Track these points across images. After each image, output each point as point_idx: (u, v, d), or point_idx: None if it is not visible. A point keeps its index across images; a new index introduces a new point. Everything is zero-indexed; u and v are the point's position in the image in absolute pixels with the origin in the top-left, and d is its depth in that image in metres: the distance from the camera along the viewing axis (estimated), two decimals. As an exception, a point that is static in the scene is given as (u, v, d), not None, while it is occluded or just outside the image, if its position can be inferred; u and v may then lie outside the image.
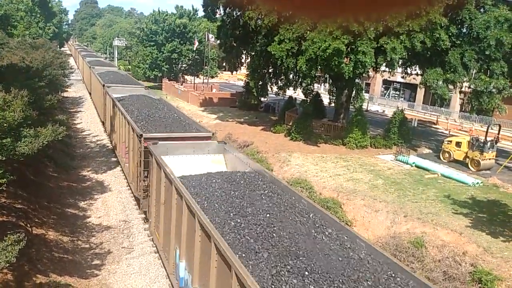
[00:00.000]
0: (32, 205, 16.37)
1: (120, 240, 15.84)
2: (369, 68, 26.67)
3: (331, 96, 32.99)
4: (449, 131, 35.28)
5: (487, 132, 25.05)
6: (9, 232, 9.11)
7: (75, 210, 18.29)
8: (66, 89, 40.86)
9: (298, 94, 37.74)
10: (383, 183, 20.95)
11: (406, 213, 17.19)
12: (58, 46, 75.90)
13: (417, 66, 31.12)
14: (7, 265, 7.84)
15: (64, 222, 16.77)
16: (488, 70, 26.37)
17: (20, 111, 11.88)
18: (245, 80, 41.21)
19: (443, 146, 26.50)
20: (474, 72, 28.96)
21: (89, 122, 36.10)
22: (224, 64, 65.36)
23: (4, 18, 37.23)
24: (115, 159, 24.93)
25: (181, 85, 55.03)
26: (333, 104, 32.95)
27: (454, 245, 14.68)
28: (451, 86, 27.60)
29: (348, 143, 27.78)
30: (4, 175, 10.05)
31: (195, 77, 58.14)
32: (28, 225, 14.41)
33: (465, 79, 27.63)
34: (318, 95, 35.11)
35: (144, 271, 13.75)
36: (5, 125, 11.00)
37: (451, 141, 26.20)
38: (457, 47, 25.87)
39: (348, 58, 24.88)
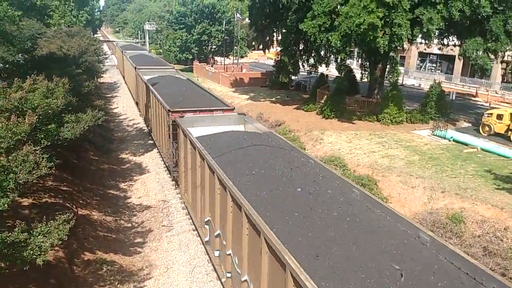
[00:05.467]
0: (76, 187, 17.24)
1: (160, 219, 16.48)
2: (404, 41, 25.77)
3: (363, 71, 32.22)
4: (490, 104, 33.80)
5: (531, 103, 23.83)
6: (58, 213, 9.70)
7: (116, 191, 19.11)
8: (101, 75, 42.01)
9: (329, 71, 37.09)
10: (419, 159, 20.51)
11: (443, 189, 16.83)
12: (91, 33, 77.75)
13: (455, 36, 29.75)
14: (60, 242, 8.39)
15: (106, 202, 17.59)
16: (534, 37, 24.84)
17: (62, 98, 12.43)
18: (275, 59, 40.82)
19: (483, 119, 25.50)
20: (518, 40, 27.37)
21: (125, 107, 37.14)
22: (253, 43, 64.94)
23: (41, 9, 38.46)
24: (151, 141, 25.67)
25: (212, 66, 55.27)
26: (365, 80, 32.20)
27: (495, 221, 14.30)
28: (492, 56, 26.29)
29: (383, 119, 27.23)
30: (51, 159, 10.63)
31: (225, 58, 58.14)
32: (74, 206, 15.23)
33: (508, 48, 26.20)
34: (350, 70, 34.39)
35: (184, 248, 14.30)
36: (49, 111, 11.56)
37: (491, 114, 25.14)
38: (499, 13, 24.43)
39: (383, 32, 24.09)
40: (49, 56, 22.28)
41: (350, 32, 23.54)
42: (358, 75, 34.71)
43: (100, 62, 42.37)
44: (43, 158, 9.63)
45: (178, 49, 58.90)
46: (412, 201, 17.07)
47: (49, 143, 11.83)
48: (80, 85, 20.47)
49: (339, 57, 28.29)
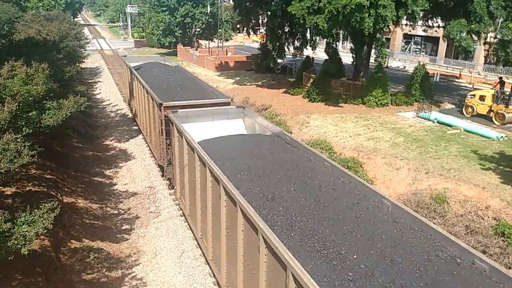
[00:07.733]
0: (61, 175, 17.00)
1: (147, 205, 16.41)
2: (389, 23, 25.70)
3: (353, 55, 32.15)
4: (473, 85, 34.23)
5: (513, 84, 24.19)
6: (43, 201, 9.56)
7: (101, 178, 18.92)
8: (83, 60, 41.07)
9: (316, 54, 36.91)
10: (404, 141, 20.75)
11: (427, 170, 17.10)
12: (71, 16, 75.69)
13: (440, 18, 29.84)
14: (45, 231, 8.30)
15: (92, 190, 17.41)
16: (516, 18, 25.05)
17: (42, 84, 12.13)
18: (260, 42, 40.42)
19: (466, 101, 25.83)
20: (500, 21, 27.63)
21: (108, 92, 36.51)
22: (238, 26, 64.19)
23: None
24: (136, 127, 25.36)
25: (196, 50, 54.49)
26: (350, 62, 32.11)
27: (477, 200, 14.64)
28: (475, 37, 26.47)
29: (368, 102, 27.36)
30: (33, 147, 10.42)
31: (210, 41, 57.32)
32: (59, 194, 15.04)
33: (491, 29, 26.40)
34: (336, 53, 34.26)
35: (172, 233, 14.31)
36: (30, 98, 11.28)
37: (474, 95, 25.47)
38: (483, -6, 24.50)
39: (368, 13, 23.94)
40: (27, 41, 21.62)
41: (336, 14, 23.34)
42: (343, 58, 34.65)
43: (82, 47, 41.36)
44: (25, 146, 9.43)
45: (161, 32, 57.78)
46: (397, 183, 17.32)
47: (30, 131, 11.59)
48: (61, 70, 20.00)
49: (326, 40, 28.03)
